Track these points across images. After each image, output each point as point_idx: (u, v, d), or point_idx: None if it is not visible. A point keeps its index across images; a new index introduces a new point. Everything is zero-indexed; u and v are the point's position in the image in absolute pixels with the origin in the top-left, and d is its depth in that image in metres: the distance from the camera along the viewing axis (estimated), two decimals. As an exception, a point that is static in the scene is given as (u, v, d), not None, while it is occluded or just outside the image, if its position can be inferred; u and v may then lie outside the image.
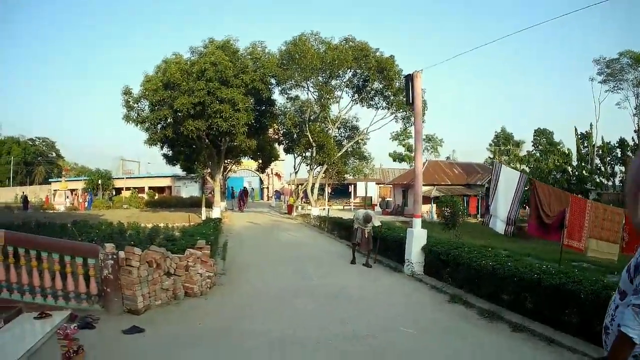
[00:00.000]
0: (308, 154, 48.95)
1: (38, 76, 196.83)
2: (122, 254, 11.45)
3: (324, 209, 47.29)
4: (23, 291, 10.97)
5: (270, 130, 50.47)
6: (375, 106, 46.52)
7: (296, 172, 55.86)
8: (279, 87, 45.35)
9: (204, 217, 42.28)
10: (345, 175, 54.48)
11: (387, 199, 65.25)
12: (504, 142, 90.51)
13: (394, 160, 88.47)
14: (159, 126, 41.02)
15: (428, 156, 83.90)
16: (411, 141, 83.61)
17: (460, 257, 14.04)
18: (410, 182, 51.36)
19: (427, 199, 49.78)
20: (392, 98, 44.37)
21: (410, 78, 17.86)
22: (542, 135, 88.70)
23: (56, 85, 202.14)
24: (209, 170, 47.56)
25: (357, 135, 49.59)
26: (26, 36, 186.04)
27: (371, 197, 33.06)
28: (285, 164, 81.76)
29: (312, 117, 46.58)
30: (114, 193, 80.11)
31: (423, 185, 43.67)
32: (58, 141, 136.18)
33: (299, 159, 53.13)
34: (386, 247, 20.02)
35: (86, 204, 66.60)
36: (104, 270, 11.19)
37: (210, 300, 13.19)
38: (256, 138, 42.66)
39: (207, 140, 41.20)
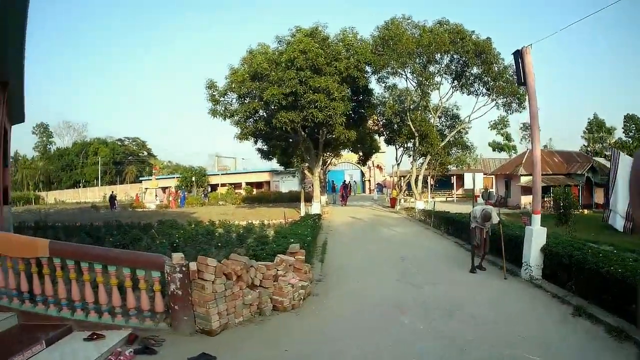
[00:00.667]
0: (410, 144, 47.16)
1: (127, 77, 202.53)
2: (193, 265, 9.79)
3: (427, 201, 44.97)
4: (74, 308, 9.61)
5: (370, 122, 48.89)
6: (475, 93, 43.66)
7: (398, 164, 53.97)
8: (376, 76, 43.27)
9: (302, 213, 40.48)
10: (448, 166, 53.27)
11: (489, 189, 61.20)
12: (596, 130, 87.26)
13: (494, 150, 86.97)
14: (250, 120, 39.79)
15: (526, 145, 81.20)
16: (509, 130, 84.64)
17: (585, 262, 11.86)
18: (513, 173, 51.10)
19: (529, 190, 43.96)
20: (491, 83, 41.36)
21: (519, 55, 15.59)
22: (632, 121, 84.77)
23: (144, 85, 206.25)
24: (307, 164, 46.06)
25: (459, 124, 47.24)
26: (114, 37, 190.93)
27: (473, 189, 30.37)
28: (387, 156, 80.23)
29: (411, 107, 44.57)
30: (209, 190, 79.57)
31: (523, 175, 48.66)
32: (149, 141, 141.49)
33: (400, 151, 51.63)
34: (499, 246, 17.19)
35: (178, 201, 66.45)
36: (171, 285, 9.58)
37: (301, 316, 11.36)
38: (355, 129, 40.73)
39: (303, 133, 39.68)
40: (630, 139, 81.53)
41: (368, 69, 40.45)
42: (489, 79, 41.23)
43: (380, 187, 77.55)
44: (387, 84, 45.36)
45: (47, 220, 37.47)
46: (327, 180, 67.17)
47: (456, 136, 47.59)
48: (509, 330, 9.89)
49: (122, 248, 20.42)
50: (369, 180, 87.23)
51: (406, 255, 20.11)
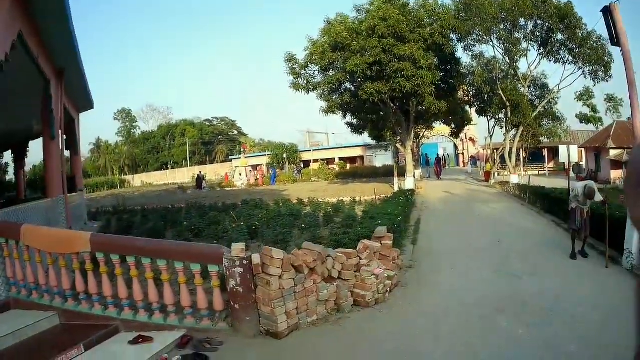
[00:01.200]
0: (501, 115, 45.06)
1: (210, 59, 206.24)
2: (256, 258, 8.68)
3: (521, 175, 43.42)
4: (121, 306, 8.84)
5: (460, 92, 47.00)
6: (561, 60, 41.19)
7: (491, 136, 51.86)
8: (462, 44, 41.88)
9: (396, 189, 39.23)
10: (540, 138, 50.54)
11: (580, 163, 59.18)
12: None
13: (580, 122, 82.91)
14: (336, 93, 38.88)
15: (612, 117, 77.47)
16: (595, 101, 79.85)
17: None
18: (603, 146, 48.11)
19: (618, 164, 45.40)
20: (577, 50, 38.98)
21: (607, 12, 13.88)
22: None
23: (229, 66, 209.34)
24: (398, 138, 44.16)
25: (549, 94, 44.55)
26: (194, 20, 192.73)
27: (568, 162, 28.48)
28: (479, 128, 78.50)
29: (500, 76, 42.63)
30: (302, 166, 78.07)
31: (612, 148, 46.11)
32: (238, 120, 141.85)
33: (492, 122, 49.49)
34: (598, 228, 15.27)
35: (269, 179, 66.20)
36: (230, 281, 8.54)
37: (385, 314, 10.04)
38: (445, 100, 38.70)
39: (392, 105, 38.18)
40: None
41: (453, 36, 38.87)
42: (574, 46, 39.00)
43: (474, 160, 75.05)
44: (474, 53, 43.68)
45: (126, 204, 37.96)
46: (420, 153, 65.91)
47: (546, 107, 45.30)
48: (612, 339, 8.10)
49: (195, 233, 20.41)
50: (462, 153, 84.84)
51: (503, 237, 18.76)
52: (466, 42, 41.66)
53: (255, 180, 65.95)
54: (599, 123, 79.84)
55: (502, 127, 47.37)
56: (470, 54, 43.59)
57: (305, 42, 36.84)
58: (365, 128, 47.99)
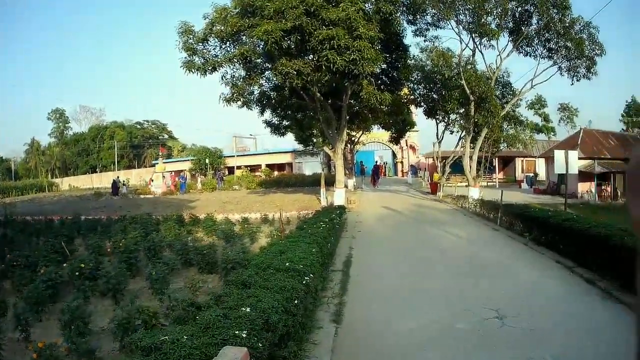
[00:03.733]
0: (454, 116, 38.42)
1: (146, 60, 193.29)
2: None
3: (482, 188, 35.81)
4: None
5: (404, 90, 38.84)
6: (533, 54, 33.07)
7: (439, 142, 43.81)
8: (413, 27, 33.36)
9: (323, 203, 32.04)
10: (500, 146, 43.39)
11: (530, 174, 55.63)
12: (635, 113, 79.07)
13: (531, 131, 76.25)
14: (240, 78, 28.81)
15: (564, 127, 76.08)
16: (547, 110, 77.20)
17: None
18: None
19: (587, 176, 39.99)
20: (555, 41, 31.34)
21: None
22: None
23: (164, 67, 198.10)
24: (327, 141, 34.52)
25: (519, 93, 35.69)
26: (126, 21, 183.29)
27: (566, 173, 20.75)
28: (421, 135, 73.79)
29: (463, 64, 33.10)
30: (226, 173, 70.91)
31: (581, 158, 36.38)
32: (170, 123, 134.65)
33: (442, 126, 41.95)
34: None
35: (180, 187, 58.02)
36: None
37: None
38: (389, 98, 28.93)
39: (319, 95, 28.82)
40: None
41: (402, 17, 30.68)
42: (552, 35, 31.12)
43: (414, 169, 68.53)
44: (427, 38, 34.77)
45: (11, 214, 36.79)
46: (354, 161, 58.87)
47: (511, 109, 37.01)
48: None
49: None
50: (402, 162, 76.90)
51: (503, 309, 10.00)
52: (418, 25, 33.26)
53: (168, 187, 58.17)
54: (551, 133, 77.38)
55: (453, 132, 41.24)
56: (424, 38, 34.76)
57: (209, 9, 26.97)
58: (288, 128, 38.53)
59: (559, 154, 22.20)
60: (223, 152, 75.99)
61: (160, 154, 73.77)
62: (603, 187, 39.72)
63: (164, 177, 61.19)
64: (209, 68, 26.58)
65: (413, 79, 37.80)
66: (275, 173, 70.88)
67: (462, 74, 31.46)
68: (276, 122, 37.04)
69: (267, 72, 28.65)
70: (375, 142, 72.51)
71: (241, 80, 28.09)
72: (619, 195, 38.74)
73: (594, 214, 21.22)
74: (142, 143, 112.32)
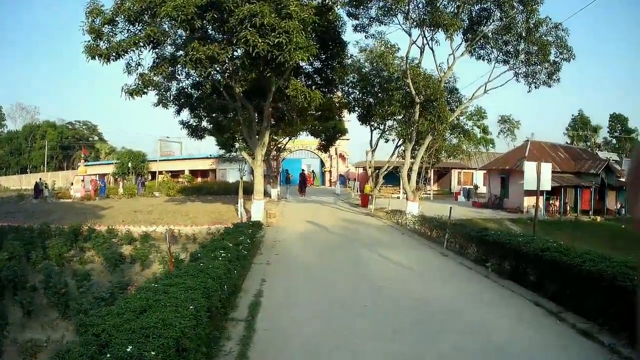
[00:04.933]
0: (391, 122, 35.20)
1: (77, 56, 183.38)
2: None
3: (420, 201, 30.52)
4: None
5: (338, 93, 34.99)
6: (486, 58, 29.09)
7: (373, 151, 39.57)
8: (354, 22, 29.23)
9: (241, 216, 28.48)
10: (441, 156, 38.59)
11: (468, 186, 52.94)
12: (581, 127, 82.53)
13: (475, 142, 76.06)
14: (146, 66, 23.55)
15: (503, 140, 78.43)
16: (487, 122, 77.14)
17: None
18: (514, 167, 38.97)
19: (533, 190, 34.70)
20: (514, 44, 27.63)
21: None
22: (617, 121, 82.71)
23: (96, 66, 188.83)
24: (246, 144, 30.15)
25: (471, 97, 30.40)
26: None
27: (537, 189, 17.06)
28: (352, 144, 71.03)
29: (410, 63, 29.05)
30: (148, 177, 66.21)
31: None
32: (101, 124, 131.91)
33: (376, 134, 38.22)
34: None
35: (99, 192, 53.58)
36: None
37: None
38: (321, 98, 24.04)
39: (238, 91, 24.04)
40: (614, 139, 79.85)
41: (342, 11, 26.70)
42: (514, 37, 27.42)
43: (343, 179, 65.29)
44: (370, 32, 30.49)
45: None
46: (279, 170, 55.25)
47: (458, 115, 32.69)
48: None
49: None
50: (330, 171, 73.86)
51: None
52: (360, 20, 29.28)
53: (87, 192, 52.85)
54: (490, 145, 77.74)
55: (388, 140, 37.94)
56: (365, 33, 30.37)
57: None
58: (206, 131, 33.81)
59: (529, 167, 18.60)
60: (148, 156, 71.48)
61: (82, 156, 68.17)
62: (551, 202, 37.31)
63: (82, 180, 56.41)
64: (113, 54, 21.43)
65: (348, 82, 34.07)
66: (199, 179, 66.66)
67: (407, 71, 27.15)
68: (194, 124, 32.26)
69: (180, 60, 23.95)
70: (302, 149, 69.55)
71: (148, 69, 22.99)
72: (569, 210, 37.12)
73: (546, 231, 19.92)
74: (72, 144, 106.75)
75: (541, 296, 11.12)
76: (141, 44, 20.95)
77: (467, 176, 60.88)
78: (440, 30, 25.70)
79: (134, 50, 21.30)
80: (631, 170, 1.41)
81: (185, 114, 31.15)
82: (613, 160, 44.65)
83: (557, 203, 37.55)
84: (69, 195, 53.08)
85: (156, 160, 68.61)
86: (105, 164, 76.15)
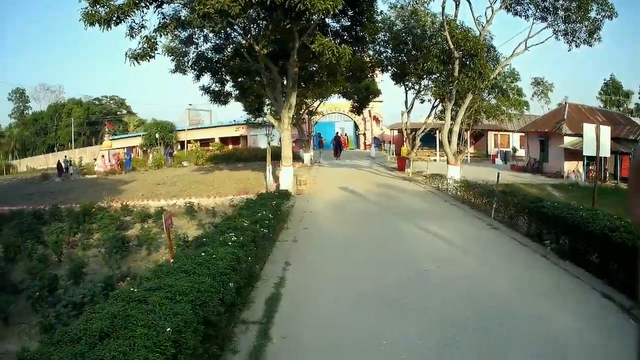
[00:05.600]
0: (426, 81, 32.00)
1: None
2: None
3: (462, 165, 27.93)
4: None
5: (369, 53, 32.04)
6: (523, 14, 26.33)
7: (409, 111, 36.81)
8: None
9: (269, 182, 26.95)
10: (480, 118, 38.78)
11: (505, 149, 52.39)
12: (613, 92, 78.87)
13: (515, 103, 74.25)
14: (151, 28, 20.99)
15: (538, 102, 75.32)
16: (520, 84, 69.68)
17: None
18: (554, 131, 37.46)
19: (573, 155, 34.89)
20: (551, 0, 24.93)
21: None
22: None
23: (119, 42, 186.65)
24: (273, 108, 28.77)
25: (512, 54, 27.15)
26: None
27: (597, 155, 14.91)
28: (385, 107, 68.44)
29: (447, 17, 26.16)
30: (178, 148, 64.91)
31: (567, 135, 35.83)
32: (129, 98, 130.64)
33: (411, 94, 35.41)
34: None
35: (125, 165, 52.10)
36: None
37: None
38: (350, 54, 21.30)
39: (258, 48, 21.86)
40: None
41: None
42: None
43: (378, 141, 63.90)
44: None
45: None
46: (311, 133, 53.62)
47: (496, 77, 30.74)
48: None
49: None
50: (364, 134, 71.43)
51: None
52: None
53: (111, 166, 52.26)
54: (524, 107, 71.78)
55: (424, 101, 35.34)
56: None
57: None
58: (230, 96, 31.53)
59: (588, 129, 16.31)
60: (177, 126, 69.50)
61: (107, 129, 68.69)
62: (591, 168, 34.23)
63: (103, 157, 55.64)
64: (114, 18, 19.34)
65: (379, 41, 31.41)
66: (231, 146, 64.63)
67: (445, 24, 24.50)
68: (216, 89, 30.10)
69: (187, 18, 21.63)
70: (335, 112, 66.87)
71: (153, 30, 20.47)
72: (608, 176, 34.35)
73: (591, 200, 16.58)
74: (99, 119, 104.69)
75: (616, 288, 8.87)
76: (142, 3, 18.82)
77: (504, 139, 59.27)
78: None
79: (135, 12, 19.08)
80: (632, 171, 1.51)
81: (206, 79, 29.15)
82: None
83: (595, 168, 33.76)
84: (93, 171, 52.25)
85: (184, 130, 67.29)
86: (133, 136, 74.23)
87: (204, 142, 64.78)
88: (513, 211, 15.31)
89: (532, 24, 25.89)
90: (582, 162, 35.15)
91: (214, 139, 66.65)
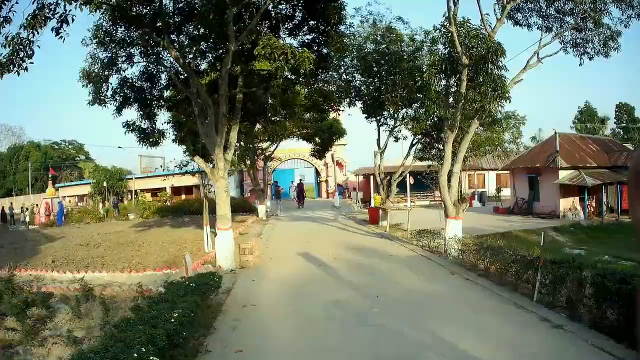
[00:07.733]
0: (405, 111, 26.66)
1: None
2: None
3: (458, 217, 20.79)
4: None
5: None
6: (525, 24, 20.50)
7: (382, 152, 30.24)
8: None
9: (207, 248, 20.90)
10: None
11: (481, 189, 48.53)
12: (588, 119, 78.93)
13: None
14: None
15: (509, 137, 69.46)
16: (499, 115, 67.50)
17: None
18: (546, 165, 33.93)
19: (569, 190, 32.79)
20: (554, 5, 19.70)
21: None
22: (624, 111, 78.46)
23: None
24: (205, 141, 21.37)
25: (524, 67, 19.48)
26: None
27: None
28: (349, 150, 66.70)
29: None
30: (129, 197, 59.68)
31: (563, 169, 33.08)
32: (91, 142, 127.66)
33: (384, 132, 29.74)
34: None
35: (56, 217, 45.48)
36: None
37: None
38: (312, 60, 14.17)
39: (186, 63, 16.42)
40: (621, 130, 76.38)
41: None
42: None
43: (341, 189, 58.43)
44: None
45: None
46: (267, 182, 49.12)
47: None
48: None
49: None
50: (326, 181, 66.21)
51: None
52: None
53: (47, 217, 47.67)
54: (502, 143, 68.44)
55: (399, 139, 30.10)
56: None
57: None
58: (163, 136, 23.09)
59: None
60: (136, 174, 65.02)
61: (50, 176, 65.45)
62: (588, 203, 32.58)
63: (37, 205, 51.61)
64: None
65: (346, 67, 26.49)
66: (183, 196, 58.93)
67: (451, 19, 17.13)
68: (143, 126, 21.93)
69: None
70: (294, 158, 62.32)
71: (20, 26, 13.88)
72: (606, 211, 32.47)
73: (602, 241, 15.79)
74: (57, 164, 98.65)
75: None
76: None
77: (479, 178, 55.00)
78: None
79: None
80: (631, 172, 1.44)
81: (132, 113, 23.25)
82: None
83: (593, 203, 33.39)
84: (33, 221, 47.33)
85: (131, 178, 62.74)
86: (82, 184, 69.10)
87: (156, 192, 59.42)
88: (570, 289, 9.41)
89: (542, 36, 20.07)
90: (578, 198, 33.33)
91: (165, 188, 60.62)
